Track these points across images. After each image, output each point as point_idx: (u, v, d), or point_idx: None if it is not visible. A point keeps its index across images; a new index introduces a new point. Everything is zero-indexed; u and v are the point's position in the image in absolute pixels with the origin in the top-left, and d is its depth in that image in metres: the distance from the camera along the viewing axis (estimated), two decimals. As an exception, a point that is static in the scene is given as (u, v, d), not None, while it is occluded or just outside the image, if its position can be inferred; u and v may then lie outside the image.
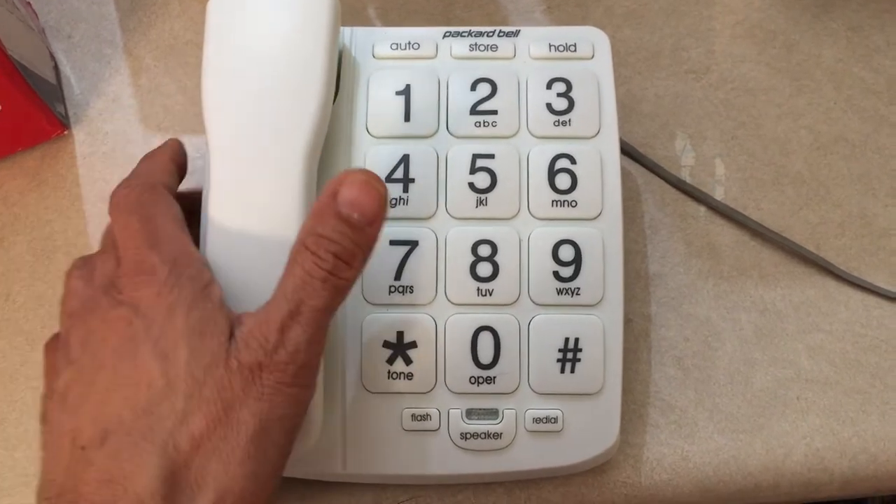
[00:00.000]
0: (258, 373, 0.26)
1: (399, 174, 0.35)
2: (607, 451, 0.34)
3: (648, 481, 0.37)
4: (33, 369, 0.39)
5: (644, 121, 0.44)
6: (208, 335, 0.27)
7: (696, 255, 0.41)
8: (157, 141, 0.43)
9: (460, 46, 0.37)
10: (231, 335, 0.27)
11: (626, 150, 0.42)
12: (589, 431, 0.34)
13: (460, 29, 0.38)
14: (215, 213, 0.32)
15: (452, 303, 0.34)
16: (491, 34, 0.37)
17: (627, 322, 0.39)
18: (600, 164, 0.35)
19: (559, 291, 0.34)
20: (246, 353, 0.27)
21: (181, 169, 0.35)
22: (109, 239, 0.31)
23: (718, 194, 0.42)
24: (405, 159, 0.35)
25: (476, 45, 0.37)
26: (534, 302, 0.34)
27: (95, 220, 0.42)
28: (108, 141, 0.44)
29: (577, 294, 0.34)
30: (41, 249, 0.41)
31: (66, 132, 0.43)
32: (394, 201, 0.35)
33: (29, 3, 0.45)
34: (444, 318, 0.34)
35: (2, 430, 0.39)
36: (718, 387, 0.38)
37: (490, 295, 0.34)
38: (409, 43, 0.37)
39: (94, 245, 0.41)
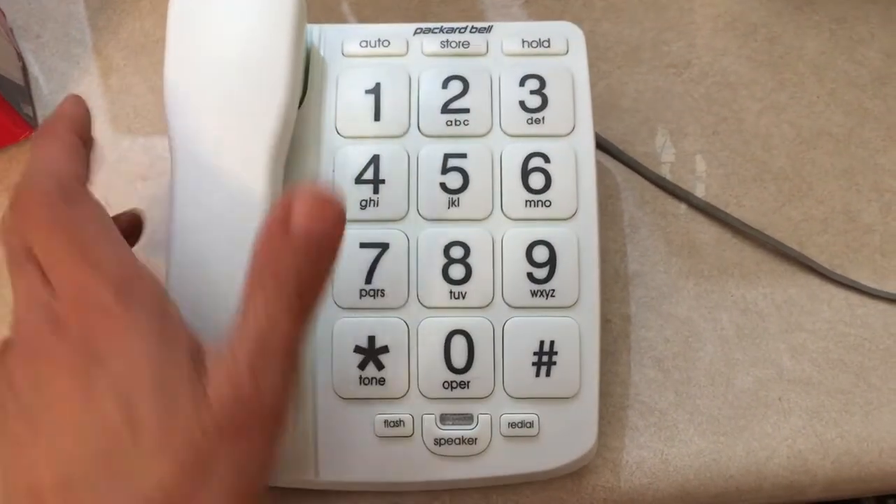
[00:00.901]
0: (234, 428, 0.23)
1: (369, 175, 0.34)
2: (585, 456, 0.34)
3: (628, 485, 0.36)
4: None
5: (624, 116, 0.43)
6: (173, 369, 0.24)
7: (676, 253, 0.40)
8: (127, 142, 0.43)
9: (431, 43, 0.36)
10: (195, 360, 0.24)
11: (605, 147, 0.41)
12: (566, 436, 0.33)
13: (431, 25, 0.37)
14: (179, 216, 0.31)
15: (425, 306, 0.33)
16: (463, 30, 0.37)
17: (606, 323, 0.38)
18: (575, 163, 0.35)
19: (533, 293, 0.33)
20: (218, 406, 0.23)
21: (87, 141, 0.31)
22: (21, 250, 0.26)
23: (699, 191, 0.41)
24: (375, 160, 0.34)
25: (447, 41, 0.36)
26: (508, 304, 0.33)
27: (65, 224, 0.41)
28: (78, 142, 0.43)
29: (551, 296, 0.33)
30: (9, 254, 0.41)
31: (33, 134, 0.42)
32: (364, 203, 0.34)
33: (-4, 3, 0.44)
34: (416, 322, 0.33)
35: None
36: (699, 388, 0.38)
37: (463, 298, 0.33)
38: (379, 40, 0.36)
39: (63, 249, 0.40)
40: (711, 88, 0.43)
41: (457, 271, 0.33)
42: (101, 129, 0.43)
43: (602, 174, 0.41)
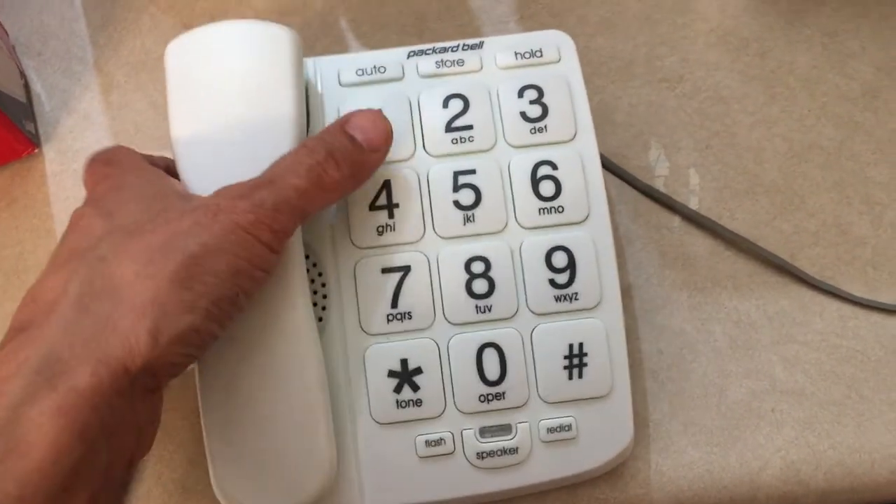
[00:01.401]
0: (214, 211, 0.27)
1: (382, 201, 0.35)
2: (623, 452, 0.34)
3: (623, 496, 0.37)
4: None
5: (618, 131, 0.43)
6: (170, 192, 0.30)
7: (669, 266, 0.40)
8: (127, 158, 0.43)
9: (426, 64, 0.37)
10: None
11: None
12: (603, 434, 0.34)
13: (424, 47, 0.37)
14: None
15: (452, 323, 0.34)
16: (455, 49, 0.37)
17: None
18: (582, 167, 0.35)
19: (557, 298, 0.34)
20: (209, 198, 0.28)
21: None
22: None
23: (692, 204, 0.41)
24: (386, 185, 0.35)
25: (442, 61, 0.37)
26: (533, 312, 0.34)
27: (66, 239, 0.42)
28: (79, 159, 0.43)
29: (575, 299, 0.34)
30: (11, 269, 0.41)
31: (36, 150, 0.43)
32: (381, 228, 0.34)
33: (-2, 21, 0.45)
34: (445, 340, 0.34)
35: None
36: (692, 399, 0.38)
37: (489, 311, 0.34)
38: (375, 67, 0.37)
39: (65, 264, 0.41)
40: (704, 103, 0.44)
41: (480, 286, 0.34)
42: (102, 145, 0.43)
43: (596, 188, 0.42)
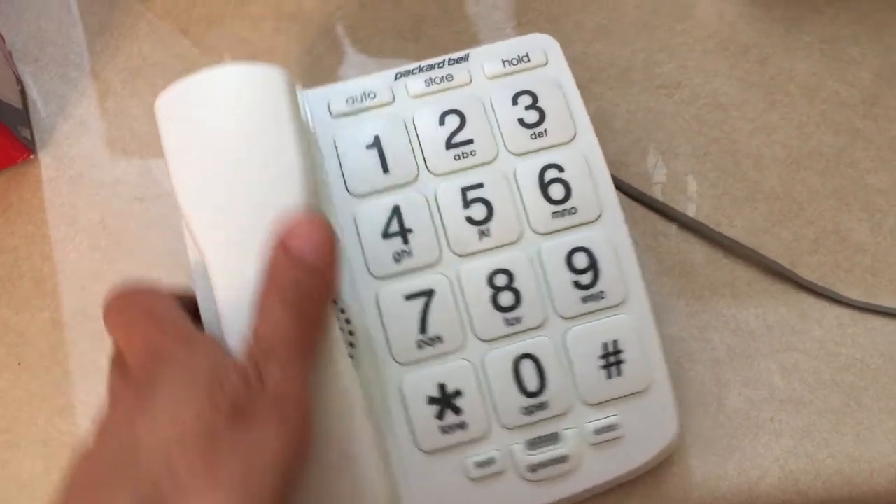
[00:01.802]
0: (240, 414, 0.25)
1: (395, 227, 0.34)
2: (672, 443, 0.34)
3: (619, 501, 0.36)
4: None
5: (616, 137, 0.43)
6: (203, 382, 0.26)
7: (667, 273, 0.40)
8: (123, 164, 0.43)
9: (416, 84, 0.37)
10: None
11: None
12: (650, 427, 0.34)
13: (409, 66, 0.37)
14: (227, 307, 0.28)
15: (484, 340, 0.33)
16: (441, 64, 0.37)
17: (598, 343, 0.39)
18: (587, 165, 0.35)
19: (584, 300, 0.34)
20: (230, 390, 0.25)
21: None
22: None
23: (690, 211, 0.41)
24: (396, 211, 0.34)
25: (430, 79, 0.37)
26: (563, 317, 0.34)
27: (61, 245, 0.42)
28: (75, 165, 0.43)
29: (602, 298, 0.34)
30: (6, 276, 0.41)
31: (31, 156, 0.43)
32: (397, 255, 0.34)
33: (-5, 27, 0.45)
34: (480, 359, 0.33)
35: (-35, 461, 0.38)
36: (690, 408, 0.38)
37: (519, 322, 0.33)
38: (365, 93, 0.36)
39: (60, 271, 0.41)
40: (703, 109, 0.43)
41: (506, 298, 0.34)
42: (98, 152, 0.43)
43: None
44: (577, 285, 0.34)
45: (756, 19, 0.45)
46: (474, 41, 0.45)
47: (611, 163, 0.42)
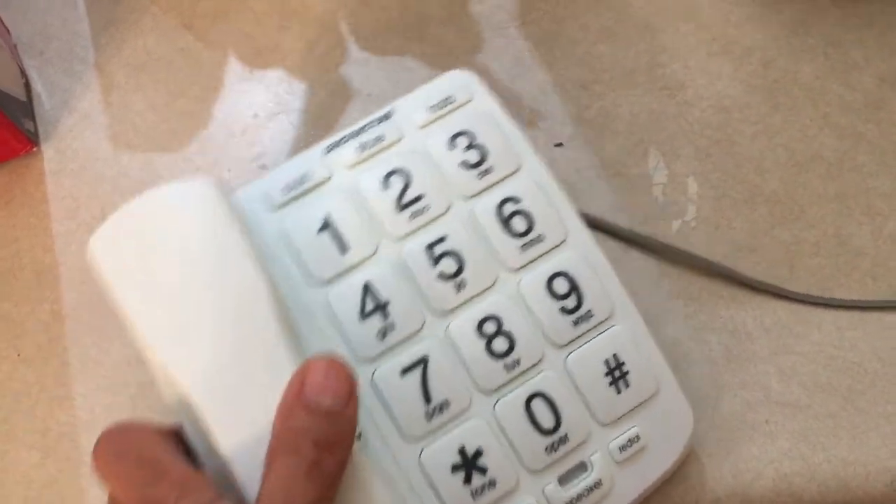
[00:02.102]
0: None
1: (370, 305, 0.33)
2: (692, 436, 0.34)
3: (614, 506, 0.36)
4: (-4, 388, 0.39)
5: (617, 138, 0.43)
6: None
7: (666, 274, 0.40)
8: (126, 158, 0.43)
9: (348, 153, 0.35)
10: None
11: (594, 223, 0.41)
12: (668, 428, 0.34)
13: (335, 137, 0.36)
14: (222, 437, 0.27)
15: (490, 392, 0.33)
16: (368, 127, 0.36)
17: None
18: (541, 189, 0.35)
19: (575, 323, 0.33)
20: None
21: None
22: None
23: (690, 213, 0.41)
24: (367, 288, 0.33)
25: (362, 144, 0.35)
26: (559, 346, 0.33)
27: (63, 238, 0.42)
28: (78, 158, 0.43)
29: (591, 317, 0.34)
30: (7, 268, 0.41)
31: (34, 149, 0.43)
32: (381, 332, 0.33)
33: (0, 20, 0.45)
34: (490, 411, 0.33)
35: (-37, 450, 0.38)
36: (687, 410, 0.38)
37: (518, 364, 0.33)
38: (300, 177, 0.35)
39: (61, 263, 0.41)
40: (705, 111, 0.43)
41: (500, 344, 0.33)
42: (101, 145, 0.44)
43: (595, 195, 0.42)
44: (564, 310, 0.33)
45: (761, 22, 0.45)
46: (478, 40, 0.45)
47: (612, 164, 0.42)
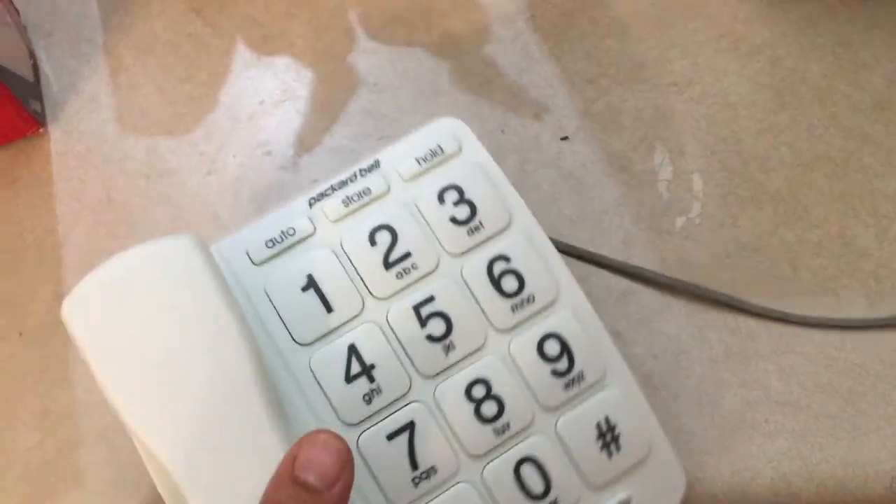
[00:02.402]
0: None
1: (356, 368, 0.31)
2: (684, 494, 0.33)
3: (611, 501, 0.36)
4: (-3, 368, 0.39)
5: (623, 133, 0.43)
6: None
7: (669, 271, 0.40)
8: (132, 141, 0.43)
9: (333, 206, 0.34)
10: None
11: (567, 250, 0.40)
12: (660, 490, 0.32)
13: (320, 189, 0.34)
14: None
15: (478, 457, 0.32)
16: (353, 178, 0.34)
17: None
18: (532, 246, 0.33)
19: (566, 386, 0.32)
20: None
21: None
22: None
23: (695, 210, 0.41)
24: (353, 350, 0.32)
25: (347, 197, 0.34)
26: (549, 410, 0.32)
27: (67, 220, 0.42)
28: (84, 140, 0.43)
29: (583, 379, 0.32)
30: (10, 247, 0.41)
31: (41, 130, 0.43)
32: (367, 396, 0.31)
33: (10, 1, 0.45)
34: (478, 477, 0.31)
35: (-37, 429, 0.39)
36: (686, 407, 0.38)
37: (508, 429, 0.32)
38: (283, 232, 0.33)
39: (64, 244, 0.41)
40: (712, 108, 0.43)
41: (489, 408, 0.32)
42: (107, 128, 0.44)
43: (600, 189, 0.42)
44: (556, 373, 0.32)
45: (770, 20, 0.45)
46: (486, 32, 0.45)
47: (617, 158, 0.42)
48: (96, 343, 0.27)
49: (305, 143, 0.43)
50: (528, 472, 0.31)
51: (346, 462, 0.26)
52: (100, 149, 0.43)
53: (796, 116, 0.43)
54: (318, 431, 0.26)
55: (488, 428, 0.31)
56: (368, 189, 0.34)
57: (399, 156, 0.34)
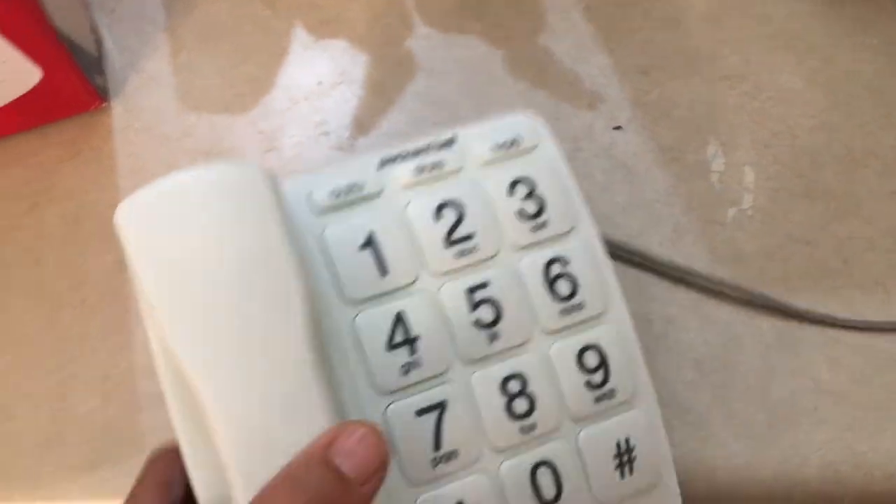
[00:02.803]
0: None
1: (400, 337, 0.31)
2: None
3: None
4: (58, 331, 0.40)
5: (676, 126, 0.43)
6: None
7: (719, 261, 0.40)
8: (192, 119, 0.44)
9: (404, 172, 0.32)
10: None
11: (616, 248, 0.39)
12: None
13: (394, 152, 0.33)
14: (238, 457, 0.25)
15: (500, 451, 0.31)
16: (428, 149, 0.33)
17: (647, 323, 0.39)
18: (590, 256, 0.33)
19: (597, 400, 0.32)
20: None
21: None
22: None
23: (746, 202, 0.41)
24: (400, 318, 0.31)
25: (420, 167, 0.33)
26: (576, 419, 0.32)
27: (127, 193, 0.42)
28: (144, 117, 0.44)
29: (613, 396, 0.32)
30: (73, 217, 0.42)
31: (104, 105, 0.44)
32: (405, 367, 0.30)
33: (76, -22, 0.46)
34: (495, 471, 0.31)
35: (25, 396, 0.39)
36: (736, 392, 0.38)
37: (534, 429, 0.31)
38: (351, 185, 0.32)
39: (125, 216, 0.42)
40: (765, 103, 0.44)
41: (520, 405, 0.31)
42: (168, 105, 0.45)
43: (651, 179, 0.42)
44: (589, 385, 0.32)
45: (824, 19, 0.45)
46: (541, 22, 0.46)
47: (670, 150, 0.43)
48: (146, 252, 0.26)
49: (361, 125, 0.44)
50: (543, 475, 0.31)
51: (383, 463, 0.25)
52: (159, 126, 0.44)
53: (849, 114, 0.43)
54: (362, 422, 0.25)
55: (516, 424, 0.31)
56: (442, 163, 0.33)
57: (475, 138, 0.34)
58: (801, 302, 0.40)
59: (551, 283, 0.32)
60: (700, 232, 0.41)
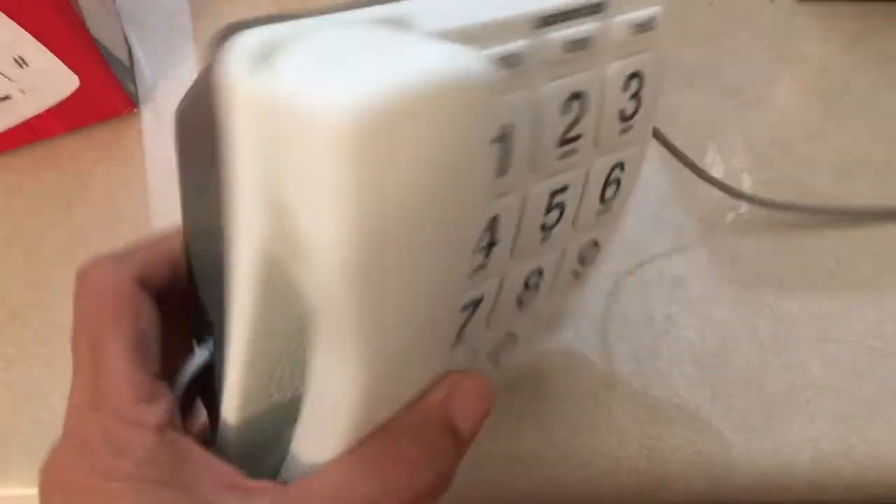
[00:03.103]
0: None
1: (483, 242, 0.26)
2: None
3: (660, 471, 0.39)
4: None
5: (677, 133, 0.46)
6: None
7: (717, 263, 0.43)
8: (218, 124, 0.46)
9: (553, 47, 0.24)
10: None
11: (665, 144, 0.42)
12: None
13: (545, 8, 0.23)
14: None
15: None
16: (577, 15, 0.24)
17: (649, 320, 0.41)
18: (638, 169, 0.29)
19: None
20: None
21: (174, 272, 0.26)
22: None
23: (744, 206, 0.44)
24: (493, 223, 0.26)
25: (569, 42, 0.24)
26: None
27: (157, 195, 0.45)
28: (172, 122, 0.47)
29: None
30: (106, 218, 0.44)
31: (135, 110, 0.46)
32: (474, 271, 0.27)
33: (108, -11, 0.49)
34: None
35: (64, 389, 0.42)
36: (733, 387, 0.40)
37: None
38: (501, 57, 0.22)
39: (155, 217, 0.44)
40: (762, 113, 0.46)
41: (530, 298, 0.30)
42: (195, 111, 0.47)
43: (653, 184, 0.44)
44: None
45: (820, 32, 0.48)
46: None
47: (669, 156, 0.45)
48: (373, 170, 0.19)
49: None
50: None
51: (484, 420, 0.24)
52: (187, 130, 0.47)
53: (842, 124, 0.46)
54: (476, 377, 0.24)
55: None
56: (590, 41, 0.25)
57: (622, 5, 0.25)
58: (796, 299, 0.42)
59: (604, 187, 0.29)
60: (700, 233, 0.43)
